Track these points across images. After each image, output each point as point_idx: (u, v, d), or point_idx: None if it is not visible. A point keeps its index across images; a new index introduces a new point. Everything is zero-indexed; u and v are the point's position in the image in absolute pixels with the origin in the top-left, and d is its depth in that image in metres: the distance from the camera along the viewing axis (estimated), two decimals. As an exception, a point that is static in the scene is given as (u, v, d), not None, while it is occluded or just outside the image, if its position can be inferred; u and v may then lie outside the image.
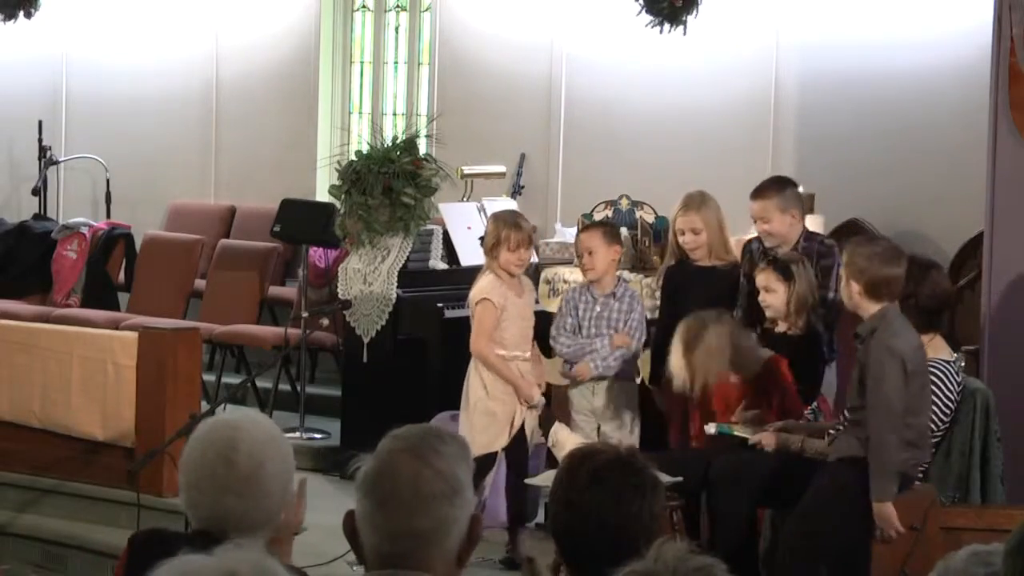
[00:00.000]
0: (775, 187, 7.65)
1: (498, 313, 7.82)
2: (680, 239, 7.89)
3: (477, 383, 7.88)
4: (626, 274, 8.51)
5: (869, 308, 6.45)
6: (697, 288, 7.90)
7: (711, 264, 7.90)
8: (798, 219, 7.62)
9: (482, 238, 8.22)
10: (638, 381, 8.07)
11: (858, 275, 6.41)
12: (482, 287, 7.88)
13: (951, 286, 7.45)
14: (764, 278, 7.46)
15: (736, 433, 7.17)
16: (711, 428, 7.31)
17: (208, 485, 3.50)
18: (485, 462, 7.64)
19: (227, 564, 2.50)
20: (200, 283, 11.63)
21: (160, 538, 3.76)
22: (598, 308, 7.89)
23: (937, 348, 6.88)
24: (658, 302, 8.42)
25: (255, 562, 2.53)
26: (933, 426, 6.71)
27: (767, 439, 6.94)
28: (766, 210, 7.55)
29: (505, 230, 7.83)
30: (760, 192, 7.65)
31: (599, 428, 7.84)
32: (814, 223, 9.08)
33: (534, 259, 9.36)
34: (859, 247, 6.53)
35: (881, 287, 6.40)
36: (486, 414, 7.87)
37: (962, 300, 9.04)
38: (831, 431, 6.91)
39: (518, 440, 7.95)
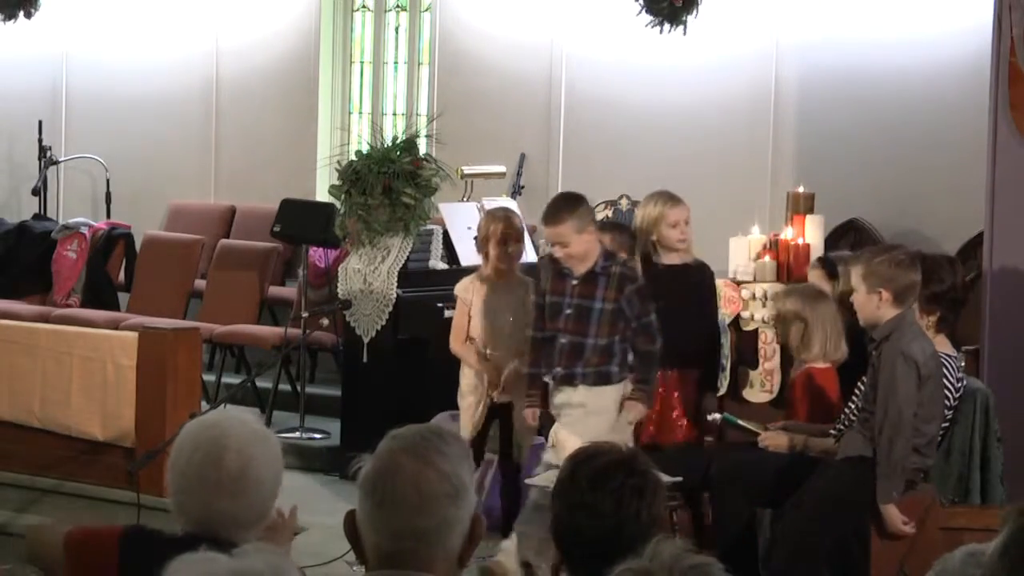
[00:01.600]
0: (567, 209, 7.26)
1: (466, 310, 7.99)
2: (675, 232, 7.82)
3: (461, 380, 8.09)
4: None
5: (888, 315, 6.47)
6: (672, 287, 7.85)
7: (682, 262, 7.86)
8: (594, 234, 7.32)
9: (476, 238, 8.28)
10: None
11: (886, 283, 6.44)
12: (457, 285, 8.09)
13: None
14: (814, 276, 7.59)
15: (741, 424, 7.16)
16: (716, 416, 7.32)
17: (199, 488, 3.47)
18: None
19: (244, 564, 2.51)
20: (200, 283, 11.63)
21: (152, 540, 3.71)
22: None
23: (942, 343, 6.92)
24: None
25: (272, 563, 2.53)
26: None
27: (777, 440, 6.94)
28: (562, 235, 7.22)
29: (493, 224, 7.97)
30: (553, 217, 7.27)
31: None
32: (814, 223, 9.08)
33: (533, 258, 9.35)
34: (876, 256, 6.56)
35: (907, 293, 6.48)
36: (464, 409, 8.03)
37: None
38: (832, 431, 6.92)
39: (507, 444, 7.98)
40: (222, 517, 3.46)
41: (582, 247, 7.21)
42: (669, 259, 7.83)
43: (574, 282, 7.26)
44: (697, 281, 7.83)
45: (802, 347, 7.19)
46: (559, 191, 11.44)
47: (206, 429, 3.53)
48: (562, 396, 7.30)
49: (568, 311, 7.26)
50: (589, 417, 7.20)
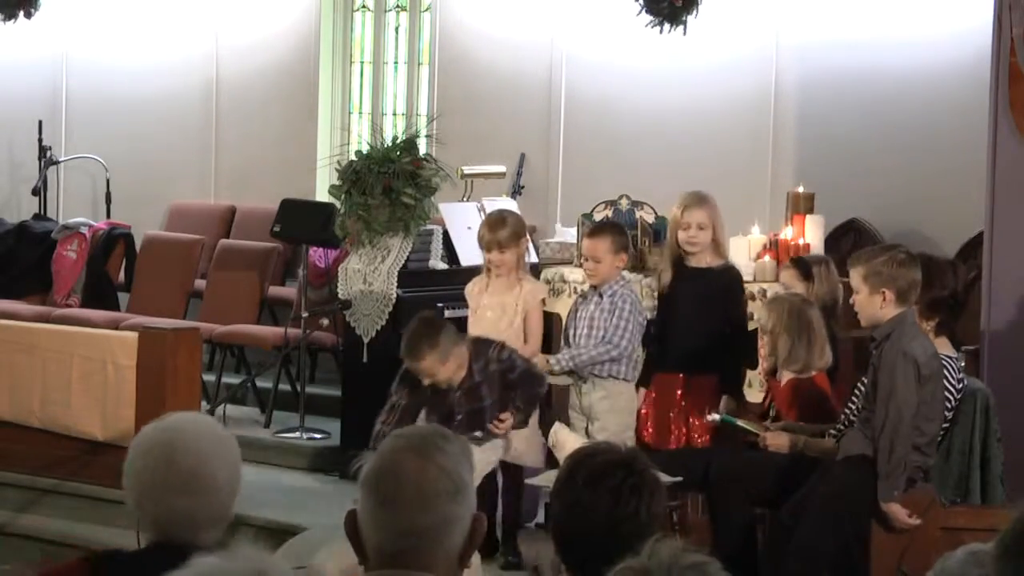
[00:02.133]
0: (427, 343, 7.26)
1: (472, 308, 8.15)
2: (684, 234, 7.83)
3: None
4: (626, 274, 8.50)
5: (890, 314, 6.46)
6: (691, 289, 7.87)
7: (706, 265, 7.87)
8: (461, 354, 7.33)
9: None
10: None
11: (889, 283, 6.43)
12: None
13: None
14: (787, 276, 7.56)
15: (740, 424, 7.15)
16: (715, 417, 7.30)
17: (154, 491, 3.49)
18: None
19: (256, 564, 2.52)
20: (200, 283, 11.62)
21: (118, 560, 3.70)
22: (591, 307, 7.89)
23: (943, 345, 6.92)
24: (657, 302, 8.41)
25: (270, 562, 2.55)
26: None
27: (778, 440, 6.93)
28: (428, 368, 7.28)
29: (481, 229, 8.04)
30: (415, 355, 7.29)
31: (587, 428, 7.82)
32: (814, 223, 9.08)
33: (534, 259, 9.36)
34: (877, 257, 6.53)
35: (911, 291, 6.48)
36: None
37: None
38: (831, 431, 6.92)
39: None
40: (179, 516, 3.48)
41: (450, 372, 7.29)
42: (696, 261, 7.85)
43: (458, 394, 7.37)
44: (719, 284, 7.81)
45: (789, 359, 7.15)
46: (559, 191, 11.51)
47: (160, 432, 3.57)
48: None
49: (459, 416, 7.38)
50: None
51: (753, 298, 8.57)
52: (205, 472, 3.48)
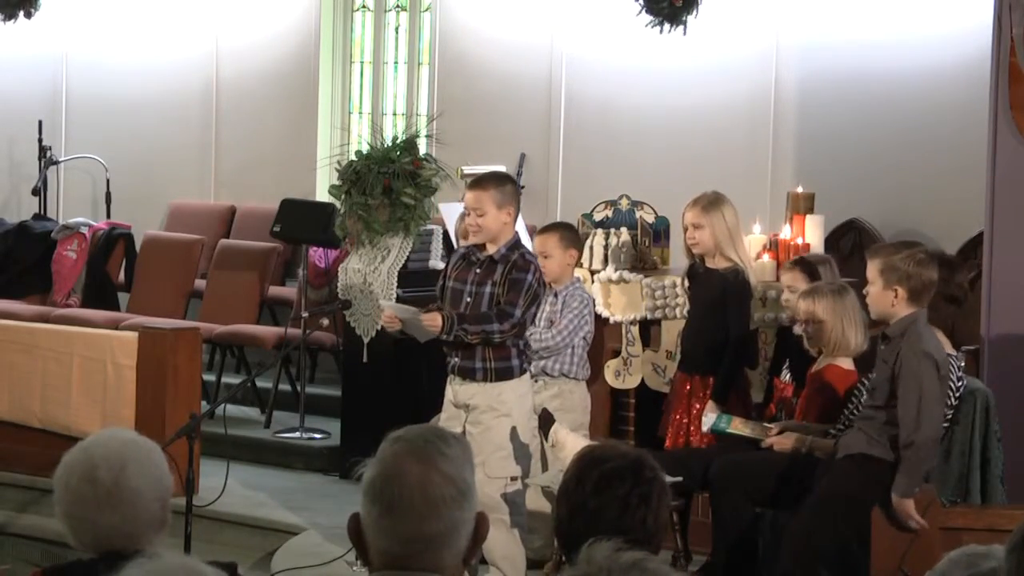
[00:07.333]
0: (495, 181, 7.22)
1: None
2: (685, 233, 7.87)
3: None
4: (626, 274, 8.51)
5: (902, 312, 6.45)
6: (697, 289, 7.90)
7: (714, 267, 7.87)
8: (512, 219, 7.20)
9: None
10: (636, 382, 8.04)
11: (904, 280, 6.41)
12: None
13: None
14: (790, 277, 7.54)
15: (730, 431, 7.12)
16: (704, 428, 7.26)
17: (81, 510, 3.52)
18: None
19: (185, 566, 2.54)
20: (200, 283, 11.63)
21: (73, 572, 3.72)
22: (548, 307, 7.87)
23: (943, 342, 6.91)
24: (657, 302, 8.41)
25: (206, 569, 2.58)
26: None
27: (783, 443, 6.91)
28: (481, 201, 7.08)
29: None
30: (478, 183, 7.19)
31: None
32: (814, 223, 9.08)
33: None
34: (896, 253, 6.50)
35: (924, 291, 6.45)
36: None
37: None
38: (832, 431, 6.92)
39: None
40: (111, 531, 3.51)
41: (493, 225, 7.07)
42: (709, 262, 7.85)
43: (478, 270, 7.18)
44: (720, 288, 7.80)
45: (839, 344, 7.10)
46: (559, 191, 11.52)
47: (76, 452, 3.61)
48: (464, 392, 7.21)
49: (468, 299, 7.17)
50: (501, 420, 7.14)
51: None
52: (125, 484, 3.51)
